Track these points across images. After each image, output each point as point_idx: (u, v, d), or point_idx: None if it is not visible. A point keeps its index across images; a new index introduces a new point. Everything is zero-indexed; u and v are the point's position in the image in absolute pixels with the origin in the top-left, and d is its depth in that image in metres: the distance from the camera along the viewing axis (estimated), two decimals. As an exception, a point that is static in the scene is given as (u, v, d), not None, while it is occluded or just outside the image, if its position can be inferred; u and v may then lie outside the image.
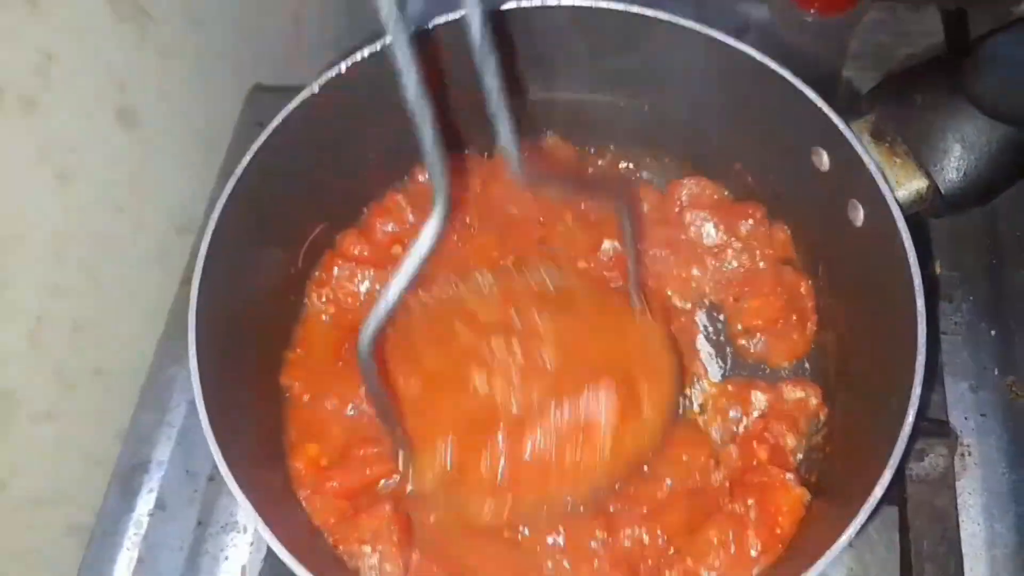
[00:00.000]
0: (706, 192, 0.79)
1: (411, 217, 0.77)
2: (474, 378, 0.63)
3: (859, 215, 0.65)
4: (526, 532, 0.67)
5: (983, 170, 0.64)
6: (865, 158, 0.62)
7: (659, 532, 0.65)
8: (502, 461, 0.61)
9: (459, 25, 0.52)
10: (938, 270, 0.81)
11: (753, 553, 0.63)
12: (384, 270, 0.75)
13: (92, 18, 0.71)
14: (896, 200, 0.61)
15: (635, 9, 0.67)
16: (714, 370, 0.76)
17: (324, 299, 0.75)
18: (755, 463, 0.68)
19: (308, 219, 0.75)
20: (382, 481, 0.68)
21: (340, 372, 0.72)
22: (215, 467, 0.75)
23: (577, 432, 0.62)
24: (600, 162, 0.83)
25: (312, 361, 0.73)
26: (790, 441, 0.69)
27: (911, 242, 0.59)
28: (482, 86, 0.45)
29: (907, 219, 0.60)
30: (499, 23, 0.68)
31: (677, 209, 0.79)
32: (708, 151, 0.78)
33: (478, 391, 0.63)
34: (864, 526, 0.53)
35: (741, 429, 0.71)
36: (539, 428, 0.61)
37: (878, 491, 0.53)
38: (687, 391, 0.74)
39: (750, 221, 0.77)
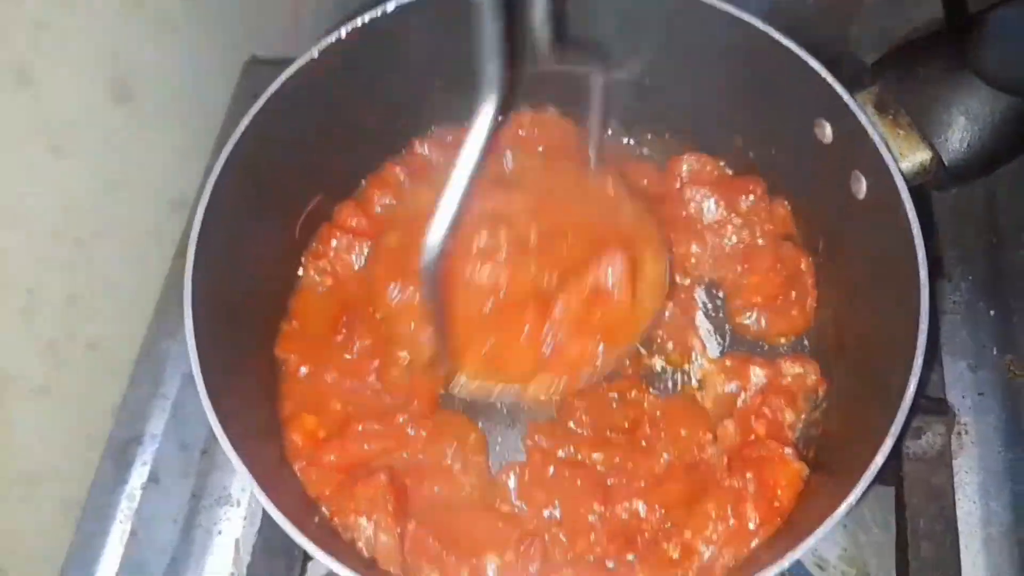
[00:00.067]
0: (706, 168, 0.79)
1: (409, 189, 0.77)
2: (484, 270, 0.67)
3: (862, 187, 0.65)
4: (523, 507, 0.67)
5: (987, 141, 0.63)
6: (869, 129, 0.62)
7: (656, 506, 0.65)
8: (544, 330, 0.65)
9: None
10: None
11: (751, 526, 0.63)
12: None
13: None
14: (900, 171, 0.60)
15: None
16: (713, 346, 0.75)
17: (321, 271, 0.75)
18: (753, 438, 0.68)
19: (305, 190, 0.74)
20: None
21: (339, 344, 0.71)
22: (209, 440, 0.75)
23: (600, 295, 0.67)
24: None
25: (308, 333, 0.73)
26: (788, 416, 0.69)
27: (915, 213, 0.59)
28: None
29: (910, 191, 0.60)
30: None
31: (678, 185, 0.78)
32: (709, 125, 0.77)
33: (494, 281, 0.67)
34: (859, 506, 0.53)
35: (739, 404, 0.71)
36: (564, 298, 0.66)
37: (879, 459, 0.53)
38: (686, 367, 0.74)
39: (750, 197, 0.76)
